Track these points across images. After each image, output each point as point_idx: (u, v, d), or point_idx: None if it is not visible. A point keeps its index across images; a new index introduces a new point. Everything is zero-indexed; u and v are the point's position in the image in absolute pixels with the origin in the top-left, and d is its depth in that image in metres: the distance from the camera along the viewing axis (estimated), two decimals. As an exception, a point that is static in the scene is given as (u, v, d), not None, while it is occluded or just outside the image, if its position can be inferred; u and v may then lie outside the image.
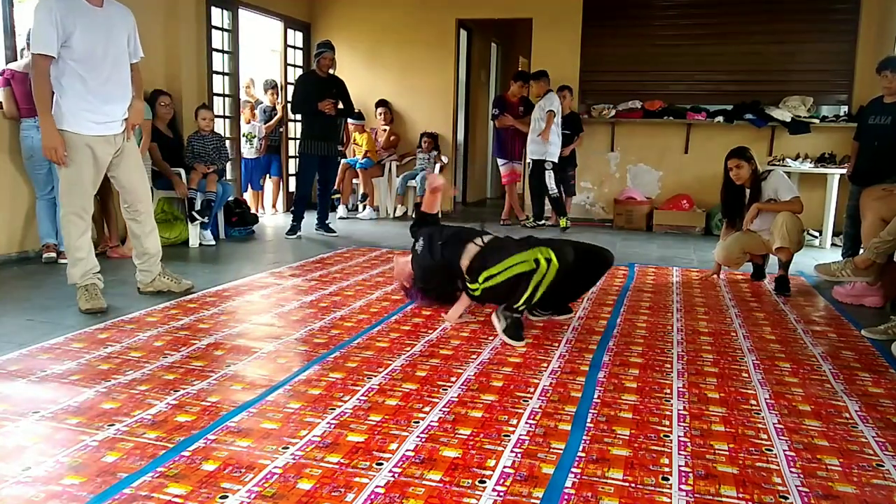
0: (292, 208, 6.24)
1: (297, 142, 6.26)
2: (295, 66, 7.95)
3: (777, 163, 6.50)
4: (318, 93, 5.88)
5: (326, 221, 6.25)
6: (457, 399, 2.32)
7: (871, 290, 3.95)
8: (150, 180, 5.05)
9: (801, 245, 4.27)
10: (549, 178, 6.76)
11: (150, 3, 5.72)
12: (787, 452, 1.98)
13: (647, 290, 4.19)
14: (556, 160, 6.76)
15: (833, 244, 6.23)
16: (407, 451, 1.92)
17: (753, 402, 2.38)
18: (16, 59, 4.61)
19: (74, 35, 3.21)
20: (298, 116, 8.05)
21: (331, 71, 6.07)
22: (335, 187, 7.62)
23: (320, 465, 1.83)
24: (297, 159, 6.31)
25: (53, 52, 3.19)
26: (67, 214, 3.41)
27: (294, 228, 6.07)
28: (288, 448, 1.92)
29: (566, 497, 1.70)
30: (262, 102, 7.66)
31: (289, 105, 7.85)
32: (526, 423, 2.14)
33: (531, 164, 6.84)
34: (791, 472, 1.87)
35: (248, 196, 7.34)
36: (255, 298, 3.74)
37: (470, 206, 9.05)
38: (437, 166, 7.69)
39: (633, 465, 1.88)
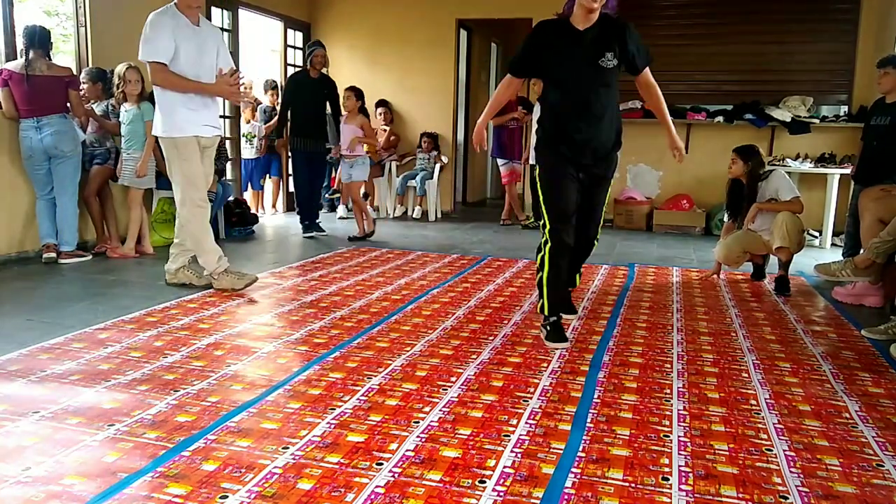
0: (297, 210, 6.27)
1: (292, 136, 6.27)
2: (295, 66, 7.94)
3: (777, 163, 6.50)
4: (310, 94, 5.97)
5: (317, 220, 6.22)
6: (457, 399, 2.32)
7: (872, 290, 3.95)
8: (154, 180, 5.07)
9: (802, 245, 4.27)
10: None
11: (151, 3, 5.72)
12: (787, 452, 1.99)
13: (647, 290, 4.19)
14: None
15: (833, 244, 6.23)
16: (407, 451, 1.92)
17: (753, 402, 2.38)
18: (15, 59, 4.59)
19: (180, 50, 3.59)
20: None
21: (324, 70, 6.14)
22: (334, 187, 7.63)
23: (320, 465, 1.83)
24: (290, 159, 6.44)
25: (167, 59, 3.56)
26: (192, 207, 3.75)
27: (308, 227, 6.09)
28: (288, 448, 1.92)
29: (566, 497, 1.70)
30: (262, 103, 7.66)
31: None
32: (526, 423, 2.14)
33: (533, 167, 6.82)
34: (791, 472, 1.87)
35: (248, 196, 7.34)
36: (254, 298, 3.74)
37: (470, 205, 9.05)
38: (438, 166, 7.70)
39: (633, 465, 1.88)
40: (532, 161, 6.77)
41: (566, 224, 2.99)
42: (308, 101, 6.00)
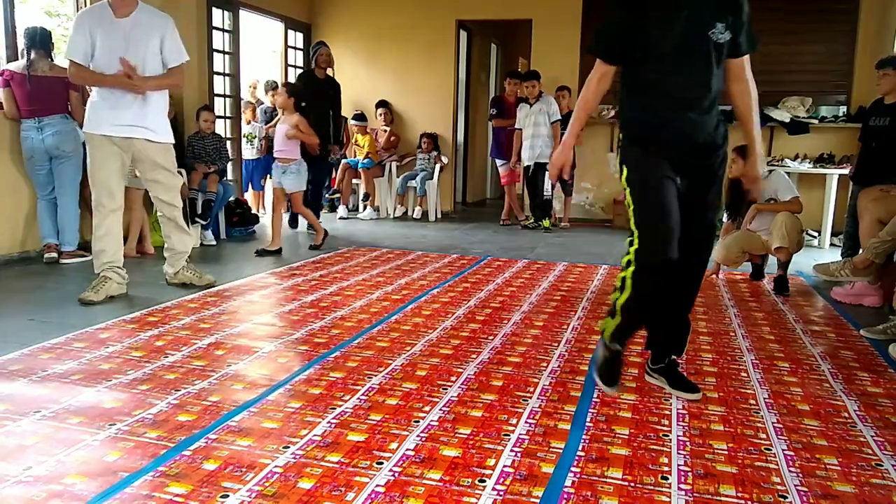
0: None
1: None
2: (295, 66, 7.95)
3: (776, 163, 6.51)
4: (316, 94, 5.90)
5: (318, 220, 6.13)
6: (457, 398, 2.33)
7: (871, 290, 3.95)
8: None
9: (801, 245, 4.28)
10: (547, 181, 6.78)
11: (151, 3, 5.72)
12: (786, 452, 1.99)
13: (647, 290, 4.19)
14: None
15: (832, 244, 6.24)
16: (407, 450, 1.93)
17: (752, 401, 2.39)
18: (17, 59, 4.60)
19: (96, 45, 3.49)
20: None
21: (329, 72, 6.08)
22: (335, 187, 7.63)
23: (321, 464, 1.84)
24: None
25: (80, 58, 3.49)
26: (94, 207, 3.66)
27: (295, 222, 6.16)
28: (288, 447, 1.93)
29: (566, 496, 1.71)
30: (262, 103, 7.67)
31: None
32: (526, 422, 2.15)
33: (532, 167, 6.83)
34: (790, 471, 1.88)
35: (248, 196, 7.35)
36: (255, 298, 3.75)
37: (470, 206, 9.06)
38: (438, 167, 7.71)
39: (633, 465, 1.88)
40: (528, 161, 6.79)
41: (666, 239, 2.18)
42: (313, 102, 5.91)
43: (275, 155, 5.28)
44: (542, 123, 6.68)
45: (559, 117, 6.71)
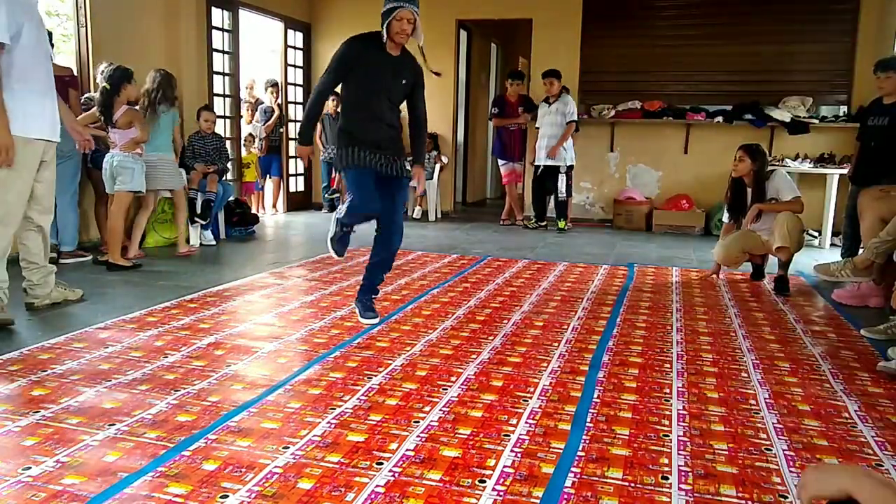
0: (365, 277, 3.41)
1: (337, 149, 3.35)
2: (295, 66, 7.95)
3: (776, 163, 6.51)
4: (382, 74, 3.47)
5: (374, 296, 3.41)
6: (457, 399, 2.33)
7: (876, 291, 3.94)
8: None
9: (802, 245, 4.27)
10: (562, 182, 6.79)
11: (151, 3, 5.73)
12: (787, 452, 1.99)
13: (647, 290, 4.20)
14: (573, 163, 6.82)
15: (832, 244, 6.24)
16: (407, 450, 1.93)
17: (753, 401, 2.39)
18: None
19: (24, 25, 2.94)
20: (300, 115, 8.10)
21: (421, 44, 3.72)
22: (335, 187, 7.61)
23: (320, 464, 1.84)
24: (344, 176, 3.50)
25: (7, 38, 2.86)
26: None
27: (369, 305, 3.34)
28: (288, 448, 1.93)
29: (566, 496, 1.70)
30: (262, 102, 7.67)
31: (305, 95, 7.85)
32: (526, 422, 2.15)
33: (542, 168, 6.82)
34: (790, 471, 1.87)
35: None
36: (255, 298, 3.75)
37: (470, 206, 9.06)
38: (438, 167, 7.70)
39: (633, 465, 1.88)
40: (539, 162, 6.78)
41: None
42: (379, 89, 3.42)
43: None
44: (556, 124, 6.68)
45: (574, 118, 6.71)
